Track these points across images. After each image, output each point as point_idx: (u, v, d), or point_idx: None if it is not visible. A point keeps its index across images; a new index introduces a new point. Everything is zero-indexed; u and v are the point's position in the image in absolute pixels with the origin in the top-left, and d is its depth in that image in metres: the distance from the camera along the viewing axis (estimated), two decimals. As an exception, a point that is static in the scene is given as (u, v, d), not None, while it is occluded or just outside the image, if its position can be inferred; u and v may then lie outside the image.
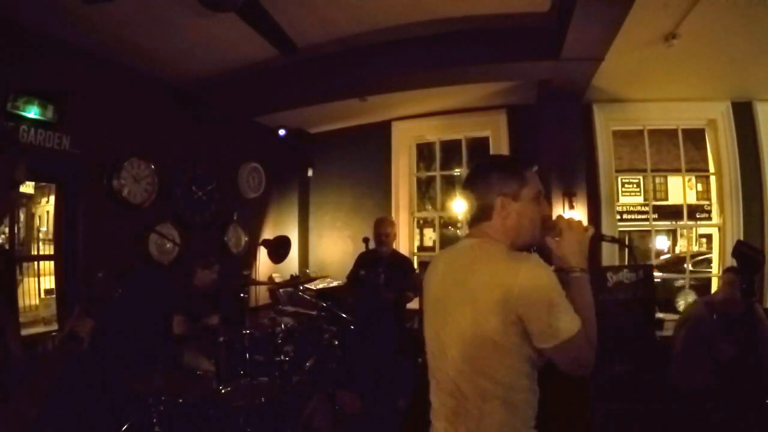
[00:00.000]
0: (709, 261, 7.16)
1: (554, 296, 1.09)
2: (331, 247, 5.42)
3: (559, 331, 1.07)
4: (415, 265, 5.02)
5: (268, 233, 4.93)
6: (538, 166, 1.33)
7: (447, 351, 1.19)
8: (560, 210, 3.95)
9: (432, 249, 7.99)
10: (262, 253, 4.28)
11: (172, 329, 3.17)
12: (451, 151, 5.54)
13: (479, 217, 1.24)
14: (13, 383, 1.02)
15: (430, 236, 11.69)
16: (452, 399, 1.18)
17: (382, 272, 3.61)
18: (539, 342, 1.09)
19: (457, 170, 5.47)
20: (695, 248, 12.64)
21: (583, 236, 1.25)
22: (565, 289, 1.13)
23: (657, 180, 12.90)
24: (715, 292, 3.15)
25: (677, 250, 13.28)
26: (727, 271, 3.18)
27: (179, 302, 3.28)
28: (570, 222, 1.25)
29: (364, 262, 3.84)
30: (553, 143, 4.03)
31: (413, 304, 4.55)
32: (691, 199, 11.05)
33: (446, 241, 6.00)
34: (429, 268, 1.37)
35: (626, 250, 3.17)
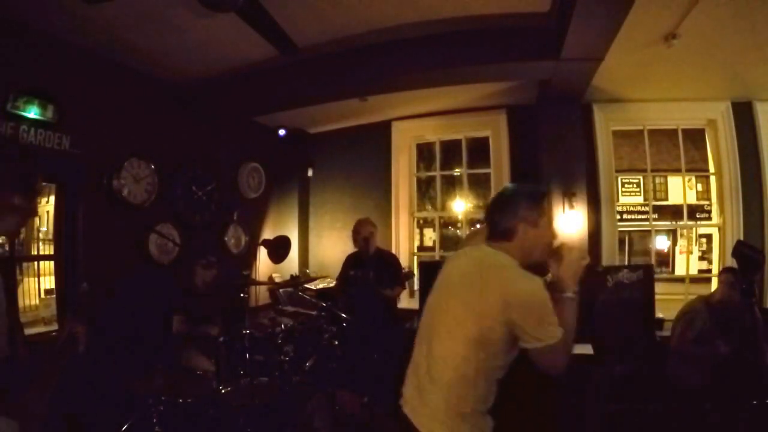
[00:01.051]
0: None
1: (545, 310, 1.29)
2: (331, 247, 5.41)
3: (544, 337, 1.27)
4: (415, 266, 5.03)
5: (268, 233, 4.93)
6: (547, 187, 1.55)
7: (439, 325, 1.41)
8: (560, 210, 3.96)
9: (432, 249, 7.97)
10: (262, 253, 4.28)
11: (172, 329, 3.17)
12: (451, 151, 5.53)
13: (501, 236, 1.43)
14: (20, 382, 1.05)
15: (430, 236, 11.69)
16: (428, 366, 1.39)
17: (372, 270, 3.62)
18: (525, 343, 1.29)
19: (457, 170, 5.48)
20: (695, 248, 12.67)
21: (579, 264, 1.41)
22: (554, 304, 1.32)
23: (657, 180, 12.89)
24: (714, 291, 3.16)
25: (677, 250, 13.29)
26: (725, 271, 3.18)
27: (179, 302, 3.28)
28: (571, 250, 1.43)
29: (352, 262, 3.85)
30: (553, 143, 4.03)
31: (413, 304, 4.56)
32: (691, 199, 11.04)
33: (446, 241, 6.01)
34: (450, 258, 1.62)
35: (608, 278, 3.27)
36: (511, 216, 1.40)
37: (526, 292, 1.29)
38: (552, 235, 1.46)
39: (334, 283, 4.32)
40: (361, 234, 3.70)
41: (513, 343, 1.33)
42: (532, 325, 1.27)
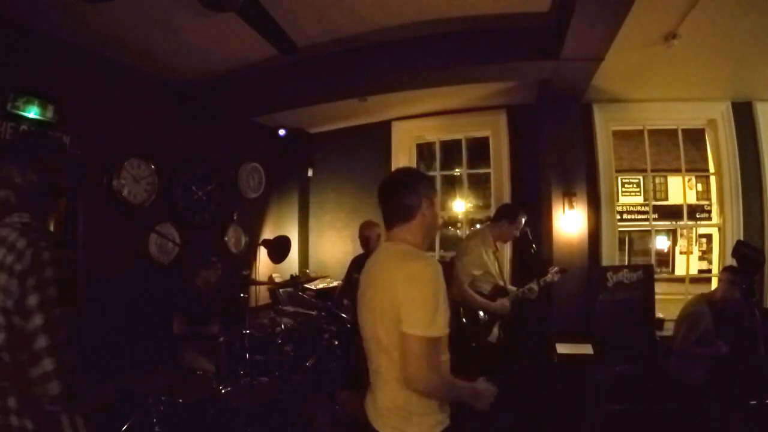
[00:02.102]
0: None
1: (428, 294, 1.24)
2: (331, 247, 5.42)
3: (425, 324, 1.21)
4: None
5: (268, 233, 4.93)
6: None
7: (365, 330, 1.42)
8: (560, 210, 3.95)
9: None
10: (262, 253, 4.28)
11: (173, 329, 3.17)
12: (451, 151, 5.53)
13: (404, 215, 1.41)
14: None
15: (430, 236, 11.63)
16: (372, 366, 1.43)
17: None
18: (404, 326, 1.23)
19: (457, 170, 5.48)
20: (695, 248, 12.67)
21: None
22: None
23: (657, 180, 12.90)
24: (715, 290, 3.16)
25: (677, 250, 13.29)
26: (726, 269, 3.19)
27: (180, 302, 3.28)
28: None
29: (357, 265, 3.85)
30: (553, 143, 4.03)
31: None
32: (691, 199, 11.06)
33: (446, 241, 5.99)
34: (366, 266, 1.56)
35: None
36: (414, 192, 1.40)
37: (415, 268, 1.27)
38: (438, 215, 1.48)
39: (338, 282, 4.32)
40: (372, 236, 3.70)
41: None
42: (414, 305, 1.23)
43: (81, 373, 1.14)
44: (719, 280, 3.21)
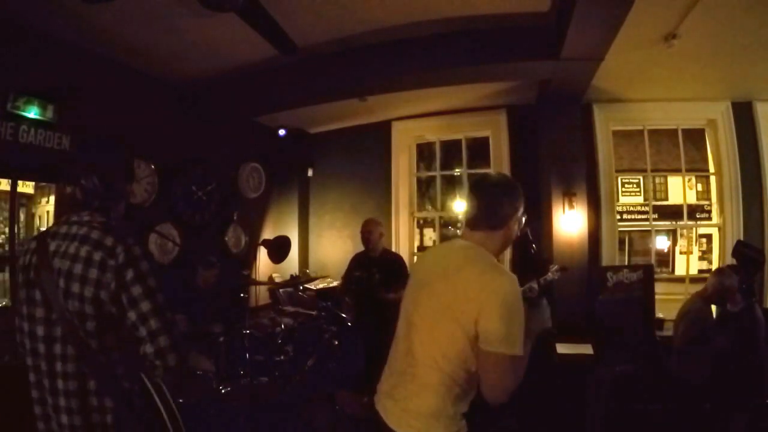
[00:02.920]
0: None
1: (513, 311, 1.21)
2: (331, 247, 5.42)
3: (508, 343, 1.19)
4: (415, 265, 5.02)
5: (268, 233, 4.93)
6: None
7: (418, 323, 1.36)
8: (560, 210, 3.95)
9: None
10: (262, 253, 4.28)
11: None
12: (451, 151, 5.54)
13: (492, 224, 1.36)
14: None
15: (430, 236, 11.68)
16: (405, 361, 1.36)
17: (377, 272, 3.61)
18: (486, 345, 1.21)
19: (457, 170, 5.48)
20: (695, 248, 12.66)
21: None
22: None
23: (657, 180, 12.89)
24: (705, 286, 3.12)
25: (677, 250, 13.29)
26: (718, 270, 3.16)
27: (180, 302, 3.28)
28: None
29: (357, 263, 3.85)
30: (553, 143, 4.03)
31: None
32: (691, 199, 11.05)
33: (446, 241, 5.99)
34: (421, 256, 1.51)
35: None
36: (509, 205, 1.36)
37: (500, 286, 1.22)
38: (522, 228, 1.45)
39: (338, 282, 4.32)
40: (373, 234, 3.70)
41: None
42: (494, 320, 1.19)
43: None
44: (709, 276, 3.18)
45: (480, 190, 1.40)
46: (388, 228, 4.94)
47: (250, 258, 4.65)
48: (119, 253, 1.23)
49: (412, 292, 1.44)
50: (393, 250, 4.68)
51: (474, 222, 1.39)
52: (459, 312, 1.25)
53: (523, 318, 1.23)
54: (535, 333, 1.36)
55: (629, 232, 12.87)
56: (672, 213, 10.08)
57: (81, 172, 1.34)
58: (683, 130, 4.42)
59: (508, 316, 1.20)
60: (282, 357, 2.99)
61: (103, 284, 1.21)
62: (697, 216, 9.44)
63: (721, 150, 4.19)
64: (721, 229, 4.26)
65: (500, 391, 1.23)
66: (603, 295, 3.57)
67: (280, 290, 4.62)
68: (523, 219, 1.40)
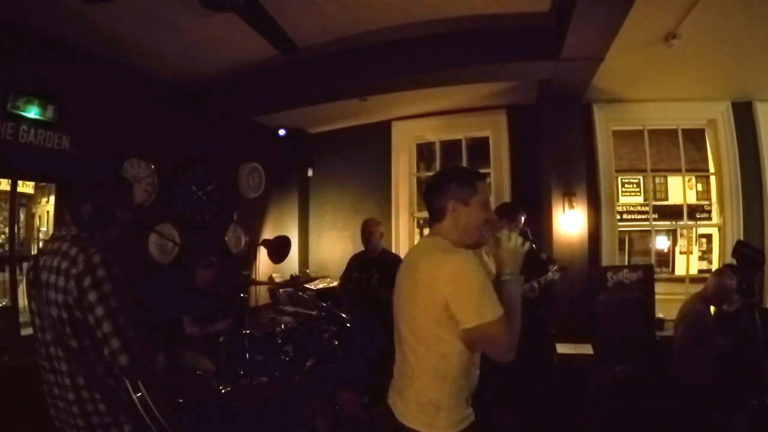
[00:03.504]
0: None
1: (476, 284, 1.27)
2: (331, 247, 5.42)
3: (479, 313, 1.25)
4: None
5: (268, 233, 4.93)
6: (488, 179, 1.53)
7: (400, 323, 1.45)
8: (560, 210, 3.96)
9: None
10: (262, 253, 4.27)
11: (183, 330, 3.18)
12: (451, 151, 5.53)
13: (435, 216, 1.46)
14: None
15: (430, 236, 11.63)
16: (401, 362, 1.46)
17: (375, 273, 3.61)
18: (462, 322, 1.26)
19: (457, 170, 5.47)
20: (695, 248, 12.65)
21: (517, 249, 1.43)
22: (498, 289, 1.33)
23: (657, 180, 12.88)
24: (705, 286, 3.11)
25: (677, 250, 13.29)
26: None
27: (185, 302, 3.29)
28: (509, 236, 1.45)
29: (356, 263, 3.84)
30: (553, 143, 4.03)
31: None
32: (691, 199, 11.04)
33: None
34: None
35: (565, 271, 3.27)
36: (442, 195, 1.44)
37: (452, 263, 1.29)
38: (487, 216, 1.46)
39: (337, 282, 4.31)
40: (374, 234, 3.69)
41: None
42: (467, 299, 1.26)
43: (147, 346, 1.44)
44: (710, 276, 3.17)
45: (425, 187, 1.54)
46: (388, 228, 4.94)
47: (250, 258, 4.65)
48: (79, 262, 1.35)
49: (395, 298, 1.53)
50: (393, 250, 4.68)
51: (429, 219, 1.52)
52: (425, 302, 1.32)
53: (485, 284, 1.27)
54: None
55: (629, 232, 12.86)
56: (672, 213, 10.08)
57: (74, 199, 1.47)
58: (683, 130, 4.42)
59: (470, 289, 1.26)
60: (282, 357, 2.98)
61: (68, 291, 1.35)
62: (697, 216, 9.44)
63: (721, 150, 4.19)
64: (721, 229, 4.26)
65: (502, 353, 1.29)
66: (603, 295, 3.57)
67: (280, 290, 4.61)
68: (475, 200, 1.42)
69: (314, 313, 3.55)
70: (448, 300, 1.27)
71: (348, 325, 3.28)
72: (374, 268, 3.63)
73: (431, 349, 1.34)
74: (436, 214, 1.46)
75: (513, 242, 1.43)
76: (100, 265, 1.36)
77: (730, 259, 3.41)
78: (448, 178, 1.48)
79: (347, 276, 3.87)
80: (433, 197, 1.47)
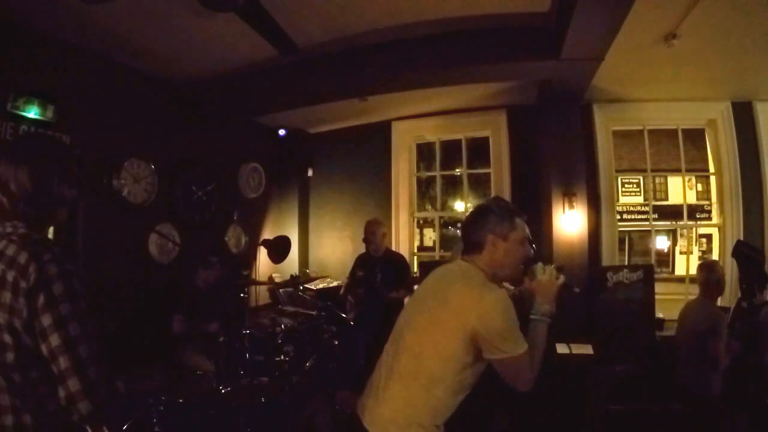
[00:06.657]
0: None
1: (508, 324, 1.31)
2: (331, 247, 5.42)
3: (507, 348, 1.30)
4: (415, 266, 5.02)
5: (268, 233, 4.93)
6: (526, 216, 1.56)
7: (408, 338, 1.44)
8: (560, 210, 3.96)
9: (432, 249, 7.98)
10: (262, 253, 4.28)
11: (172, 328, 3.18)
12: (451, 151, 5.53)
13: (472, 249, 1.48)
14: None
15: (430, 236, 11.69)
16: (389, 369, 1.44)
17: (379, 272, 3.62)
18: (489, 354, 1.32)
19: (457, 170, 5.48)
20: (695, 248, 12.65)
21: (552, 281, 1.50)
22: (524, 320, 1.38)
23: (657, 180, 12.89)
24: (699, 289, 3.05)
25: (677, 250, 13.29)
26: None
27: (181, 301, 3.29)
28: (544, 269, 1.51)
29: (361, 263, 3.85)
30: (553, 143, 4.03)
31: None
32: (691, 199, 11.04)
33: (446, 241, 6.00)
34: (429, 274, 1.62)
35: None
36: (480, 228, 1.46)
37: (489, 301, 1.32)
38: (525, 253, 1.49)
39: (338, 282, 4.32)
40: (376, 236, 3.70)
41: (478, 358, 1.35)
42: (495, 335, 1.30)
43: (111, 382, 1.10)
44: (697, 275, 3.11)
45: (465, 219, 1.57)
46: (388, 228, 4.95)
47: (250, 258, 4.65)
48: (31, 273, 1.02)
49: (408, 311, 1.54)
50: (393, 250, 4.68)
51: (464, 248, 1.54)
52: (449, 323, 1.35)
53: (515, 323, 1.32)
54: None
55: (629, 232, 12.87)
56: (672, 213, 10.07)
57: (6, 171, 1.09)
58: (683, 130, 4.42)
59: (501, 329, 1.30)
60: (282, 357, 2.98)
61: (16, 311, 1.02)
62: (697, 216, 9.43)
63: (721, 150, 4.19)
64: (721, 229, 4.26)
65: (521, 384, 1.34)
66: (603, 295, 3.57)
67: (280, 290, 4.62)
68: (514, 236, 1.45)
69: (314, 313, 3.55)
70: (476, 330, 1.30)
71: (348, 325, 3.29)
72: (378, 267, 3.64)
73: (433, 372, 1.35)
74: (473, 247, 1.47)
75: (548, 275, 1.48)
76: (57, 279, 1.03)
77: (730, 259, 3.41)
78: (487, 212, 1.48)
79: (352, 275, 3.89)
80: (471, 229, 1.48)
